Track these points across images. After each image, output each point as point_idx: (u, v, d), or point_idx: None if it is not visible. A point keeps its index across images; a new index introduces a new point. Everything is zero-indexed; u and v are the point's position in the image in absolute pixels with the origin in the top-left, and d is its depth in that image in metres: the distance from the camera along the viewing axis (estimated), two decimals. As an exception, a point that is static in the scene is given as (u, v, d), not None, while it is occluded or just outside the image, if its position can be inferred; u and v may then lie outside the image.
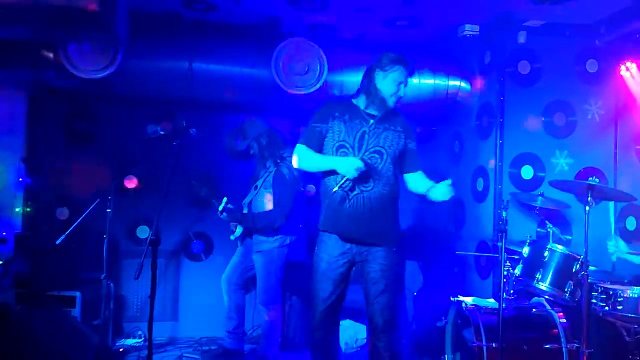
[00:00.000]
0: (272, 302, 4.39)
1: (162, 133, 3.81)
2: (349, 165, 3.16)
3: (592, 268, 3.75)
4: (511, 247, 4.11)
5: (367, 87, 3.34)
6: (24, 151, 5.14)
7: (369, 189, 3.26)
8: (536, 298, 4.06)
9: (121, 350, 4.80)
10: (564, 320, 3.79)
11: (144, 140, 4.95)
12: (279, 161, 4.37)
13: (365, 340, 4.75)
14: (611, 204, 4.09)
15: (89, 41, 4.40)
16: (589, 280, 3.62)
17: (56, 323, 3.91)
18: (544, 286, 3.85)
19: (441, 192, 3.20)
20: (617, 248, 3.91)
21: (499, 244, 3.60)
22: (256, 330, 5.12)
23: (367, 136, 3.30)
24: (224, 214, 4.37)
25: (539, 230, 4.63)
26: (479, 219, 4.98)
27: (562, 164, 4.79)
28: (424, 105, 5.17)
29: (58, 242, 4.33)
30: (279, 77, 4.77)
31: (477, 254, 4.94)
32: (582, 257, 3.76)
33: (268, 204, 4.33)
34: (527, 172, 4.75)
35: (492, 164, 4.81)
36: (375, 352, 3.36)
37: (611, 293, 3.67)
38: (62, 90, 4.95)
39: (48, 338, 3.67)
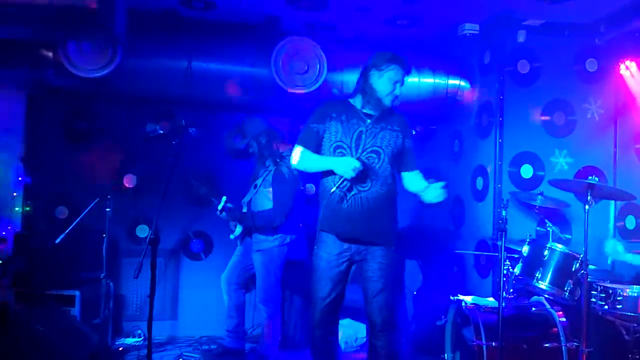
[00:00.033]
0: (272, 301, 4.39)
1: (161, 132, 3.81)
2: (345, 165, 3.16)
3: (591, 267, 3.75)
4: (510, 246, 4.11)
5: (363, 86, 3.34)
6: (22, 150, 5.13)
7: (366, 188, 3.26)
8: (535, 297, 4.06)
9: (120, 349, 4.80)
10: (564, 319, 3.80)
11: (143, 139, 4.98)
12: (278, 160, 4.36)
13: (365, 339, 4.75)
14: (611, 205, 4.09)
15: (87, 40, 4.39)
16: (588, 279, 3.62)
17: (55, 322, 3.91)
18: (543, 285, 3.86)
19: (434, 193, 3.20)
20: (614, 250, 3.91)
21: (499, 243, 3.60)
22: (256, 329, 5.12)
23: (364, 136, 3.30)
24: (223, 212, 4.37)
25: (538, 229, 4.63)
26: (479, 218, 4.98)
27: (562, 163, 4.79)
28: (423, 104, 5.17)
29: (57, 241, 4.33)
30: (278, 75, 4.77)
31: (476, 252, 4.94)
32: (581, 255, 3.77)
33: (267, 202, 4.33)
34: (527, 171, 4.75)
35: (489, 169, 4.82)
36: (374, 351, 3.36)
37: (610, 292, 3.67)
38: (61, 89, 4.94)
39: (47, 337, 3.67)
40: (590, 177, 3.76)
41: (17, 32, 4.36)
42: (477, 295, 4.15)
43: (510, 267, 3.97)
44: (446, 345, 4.16)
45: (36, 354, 3.54)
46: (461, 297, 4.01)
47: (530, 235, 4.10)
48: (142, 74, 4.71)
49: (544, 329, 3.79)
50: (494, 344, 3.57)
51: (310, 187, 5.51)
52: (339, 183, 3.23)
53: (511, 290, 3.98)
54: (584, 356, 3.55)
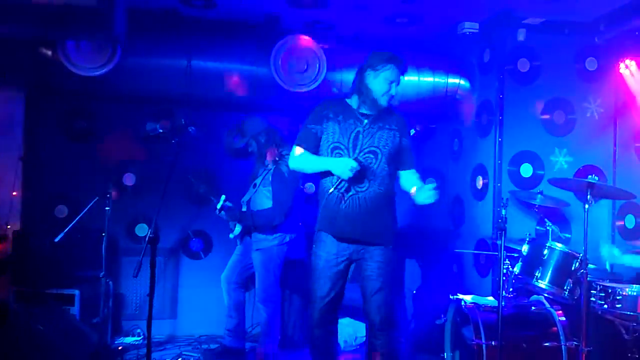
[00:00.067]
0: (271, 300, 4.39)
1: (161, 131, 3.80)
2: (343, 166, 3.16)
3: (591, 266, 3.76)
4: (510, 245, 4.11)
5: (359, 87, 3.33)
6: (22, 149, 5.12)
7: (364, 189, 3.26)
8: (535, 296, 4.06)
9: (120, 348, 4.79)
10: (563, 318, 3.79)
11: (143, 138, 4.96)
12: (277, 159, 4.36)
13: (365, 338, 4.75)
14: (609, 207, 4.09)
15: (87, 38, 4.38)
16: (588, 278, 3.62)
17: (55, 321, 3.91)
18: (543, 284, 3.86)
19: (425, 195, 3.18)
20: (610, 254, 3.91)
21: (498, 242, 3.60)
22: (255, 328, 5.12)
23: (361, 136, 3.30)
24: (222, 211, 4.36)
25: (538, 228, 4.63)
26: (478, 217, 4.98)
27: (561, 162, 4.79)
28: (423, 103, 5.16)
29: (56, 239, 4.32)
30: (278, 74, 4.76)
31: (476, 251, 4.94)
32: (581, 255, 3.77)
33: (267, 201, 4.33)
34: (526, 170, 4.74)
35: (480, 183, 4.82)
36: (372, 350, 3.36)
37: (610, 291, 3.67)
38: (60, 88, 4.93)
39: (46, 336, 3.67)
40: (589, 176, 3.78)
41: (17, 31, 4.35)
42: (477, 295, 4.15)
43: (509, 266, 3.97)
44: (446, 344, 4.16)
45: (35, 353, 3.55)
46: (461, 296, 4.01)
47: (529, 235, 4.10)
48: (142, 73, 4.70)
49: (544, 328, 3.79)
50: (493, 343, 3.57)
51: (310, 186, 5.50)
52: (337, 184, 3.23)
53: (511, 289, 3.98)
54: (584, 355, 3.55)
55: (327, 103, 3.42)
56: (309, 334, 3.45)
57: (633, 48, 4.63)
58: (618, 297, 3.61)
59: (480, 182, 4.96)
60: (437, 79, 5.14)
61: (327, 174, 3.29)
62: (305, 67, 4.79)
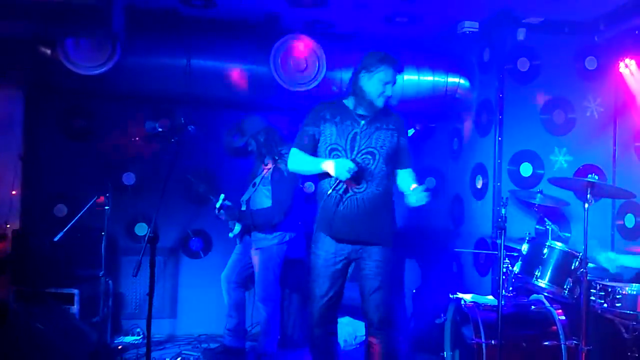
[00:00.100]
0: (271, 299, 4.39)
1: (160, 130, 3.80)
2: (340, 167, 3.15)
3: (590, 265, 3.75)
4: (510, 244, 4.11)
5: (354, 88, 3.33)
6: (21, 148, 5.12)
7: (362, 190, 3.26)
8: (535, 295, 4.06)
9: (119, 347, 4.80)
10: (563, 317, 3.79)
11: (142, 137, 4.97)
12: (276, 158, 4.36)
13: (364, 337, 4.75)
14: (609, 206, 4.08)
15: (86, 37, 4.38)
16: (588, 277, 3.61)
17: (54, 320, 3.91)
18: (542, 283, 3.86)
19: (416, 197, 3.16)
20: (608, 260, 3.91)
21: (498, 241, 3.60)
22: (255, 327, 5.12)
23: (358, 137, 3.29)
24: (221, 210, 4.36)
25: (537, 227, 4.63)
26: (478, 216, 4.98)
27: (561, 161, 4.79)
28: (422, 102, 5.16)
29: (56, 239, 4.32)
30: (278, 73, 4.76)
31: (475, 251, 4.94)
32: (580, 254, 3.76)
33: (266, 200, 4.33)
34: (526, 169, 4.74)
35: (479, 182, 4.82)
36: (371, 349, 3.36)
37: (610, 290, 3.67)
38: (59, 87, 4.93)
39: (46, 335, 3.67)
40: (589, 176, 3.76)
41: (16, 30, 4.35)
42: (477, 294, 4.15)
43: (509, 266, 3.97)
44: (445, 343, 4.16)
45: (35, 352, 3.54)
46: (460, 295, 4.01)
47: (529, 234, 4.10)
48: (141, 72, 4.70)
49: (544, 327, 3.78)
50: (493, 342, 3.57)
51: (310, 185, 5.50)
52: (335, 185, 3.23)
53: (510, 288, 3.97)
54: (583, 354, 3.55)
55: (324, 105, 3.41)
56: (308, 333, 3.46)
57: (633, 47, 4.63)
58: (618, 296, 3.60)
59: (480, 182, 4.96)
60: (436, 78, 5.14)
61: (325, 175, 3.29)
62: (305, 66, 4.79)
